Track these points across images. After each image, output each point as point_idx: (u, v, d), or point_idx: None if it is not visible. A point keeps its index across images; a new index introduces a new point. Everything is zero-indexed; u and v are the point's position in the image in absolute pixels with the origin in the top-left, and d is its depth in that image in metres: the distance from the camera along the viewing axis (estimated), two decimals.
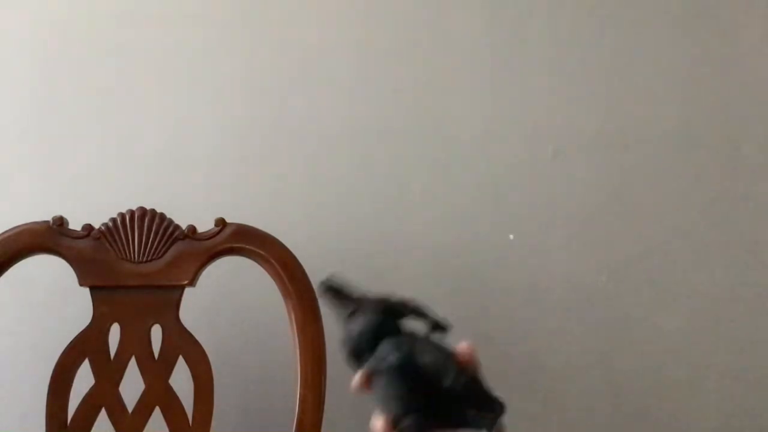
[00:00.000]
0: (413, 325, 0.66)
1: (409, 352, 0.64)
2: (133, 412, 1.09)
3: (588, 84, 1.32)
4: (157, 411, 1.10)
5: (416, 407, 0.63)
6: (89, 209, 1.13)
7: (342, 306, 0.69)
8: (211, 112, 1.29)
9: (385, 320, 0.66)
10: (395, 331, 0.66)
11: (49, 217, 1.10)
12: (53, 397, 1.08)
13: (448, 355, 0.64)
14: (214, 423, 1.09)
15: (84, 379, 1.09)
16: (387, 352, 0.64)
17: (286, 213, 1.28)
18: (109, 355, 1.10)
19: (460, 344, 0.64)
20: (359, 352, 0.67)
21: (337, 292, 0.69)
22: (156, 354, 1.10)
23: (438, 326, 0.67)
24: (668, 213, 1.32)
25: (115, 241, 1.10)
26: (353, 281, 0.71)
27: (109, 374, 1.09)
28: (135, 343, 1.10)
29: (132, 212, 1.11)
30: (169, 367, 1.10)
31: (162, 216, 1.11)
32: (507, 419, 0.66)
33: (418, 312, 0.67)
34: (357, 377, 0.65)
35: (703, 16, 1.33)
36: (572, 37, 1.33)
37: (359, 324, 0.66)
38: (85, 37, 1.28)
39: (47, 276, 1.20)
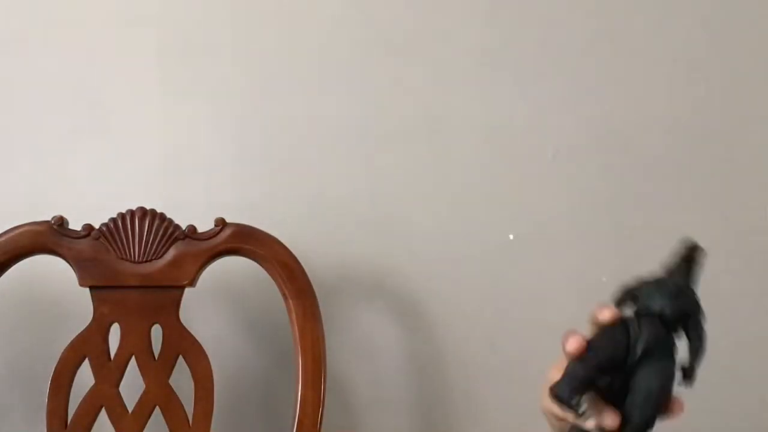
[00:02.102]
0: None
1: (649, 350, 0.61)
2: (133, 412, 1.09)
3: (587, 84, 1.32)
4: (157, 411, 1.10)
5: (599, 376, 0.61)
6: (89, 209, 1.13)
7: (678, 272, 0.67)
8: (212, 112, 1.29)
9: (680, 315, 0.64)
10: (674, 327, 0.64)
11: (49, 217, 1.10)
12: (53, 397, 1.08)
13: (662, 400, 0.61)
14: (214, 423, 1.09)
15: (84, 379, 1.09)
16: (646, 332, 0.61)
17: (286, 213, 1.27)
18: (109, 355, 1.10)
19: (678, 402, 0.62)
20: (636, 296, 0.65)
21: (693, 261, 0.67)
22: (156, 354, 1.10)
23: (689, 375, 0.64)
24: (668, 213, 1.32)
25: (115, 241, 1.10)
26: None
27: (109, 374, 1.09)
28: (135, 343, 1.10)
29: (132, 212, 1.11)
30: (169, 367, 1.10)
31: (162, 216, 1.11)
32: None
33: (695, 349, 0.65)
34: (609, 310, 0.64)
35: (704, 17, 1.33)
36: (572, 36, 1.33)
37: (669, 295, 0.65)
38: (85, 36, 1.28)
39: (47, 276, 1.20)
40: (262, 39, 1.30)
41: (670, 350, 0.62)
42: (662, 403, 0.61)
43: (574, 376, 0.61)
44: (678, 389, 0.62)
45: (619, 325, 0.63)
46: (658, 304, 0.63)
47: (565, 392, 0.60)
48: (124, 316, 1.10)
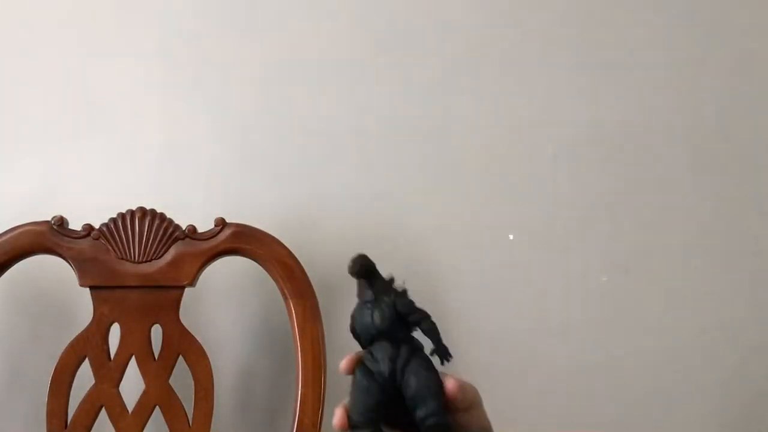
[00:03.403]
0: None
1: (400, 367, 0.65)
2: (133, 412, 1.09)
3: (588, 84, 1.32)
4: (157, 411, 1.10)
5: (377, 423, 0.63)
6: (89, 209, 1.13)
7: (365, 288, 0.68)
8: (211, 112, 1.29)
9: (395, 324, 0.66)
10: (400, 336, 0.67)
11: (49, 217, 1.10)
12: (53, 397, 1.08)
13: (435, 390, 0.64)
14: (214, 423, 1.09)
15: (84, 379, 1.09)
16: (381, 357, 0.65)
17: (286, 213, 1.27)
18: (109, 355, 1.10)
19: (449, 381, 0.64)
20: (358, 337, 0.68)
21: (367, 272, 0.69)
22: (156, 354, 1.10)
23: (440, 354, 0.66)
24: (668, 213, 1.32)
25: (115, 241, 1.10)
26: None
27: (109, 374, 1.09)
28: (135, 343, 1.10)
29: (132, 212, 1.11)
30: (169, 367, 1.10)
31: (162, 216, 1.11)
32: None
33: (428, 332, 0.67)
34: (344, 361, 0.68)
35: (705, 16, 1.33)
36: (572, 36, 1.33)
37: (371, 317, 0.67)
38: (84, 35, 1.28)
39: (47, 276, 1.20)
40: (263, 39, 1.30)
41: (413, 352, 0.66)
42: (435, 392, 0.64)
43: (356, 424, 0.64)
44: (442, 368, 0.65)
45: (360, 368, 0.67)
46: (373, 328, 0.68)
47: None
48: (124, 316, 1.10)
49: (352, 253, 1.27)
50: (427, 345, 0.68)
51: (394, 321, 0.67)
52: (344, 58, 1.31)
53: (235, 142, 1.30)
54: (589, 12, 1.33)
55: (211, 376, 1.10)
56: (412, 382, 0.64)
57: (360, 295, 0.69)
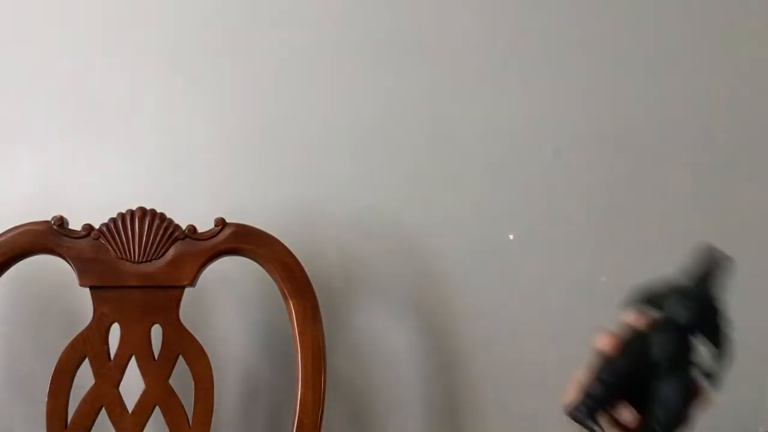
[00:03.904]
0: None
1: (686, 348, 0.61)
2: (133, 412, 1.09)
3: (588, 84, 1.32)
4: (157, 411, 1.10)
5: (615, 396, 0.60)
6: (89, 209, 1.13)
7: (704, 280, 0.64)
8: (212, 111, 1.29)
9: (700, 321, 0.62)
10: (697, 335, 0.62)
11: (49, 217, 1.10)
12: (53, 397, 1.08)
13: (678, 413, 0.61)
14: (214, 423, 1.09)
15: (84, 379, 1.09)
16: (660, 356, 0.61)
17: (286, 213, 1.27)
18: (109, 355, 1.10)
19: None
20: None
21: (716, 268, 0.65)
22: (156, 354, 1.10)
23: (709, 373, 0.63)
24: (668, 213, 1.32)
25: (115, 241, 1.10)
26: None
27: (109, 374, 1.09)
28: (135, 343, 1.10)
29: (132, 212, 1.11)
30: (169, 367, 1.10)
31: (162, 216, 1.11)
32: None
33: (715, 341, 0.63)
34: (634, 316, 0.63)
35: (705, 16, 1.33)
36: (572, 36, 1.33)
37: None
38: (85, 36, 1.28)
39: (47, 276, 1.20)
40: (263, 39, 1.30)
41: (691, 363, 0.62)
42: (680, 416, 0.61)
43: (592, 396, 0.61)
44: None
45: (639, 339, 0.62)
46: (682, 315, 0.62)
47: (583, 413, 0.61)
48: (124, 316, 1.10)
49: (352, 253, 1.27)
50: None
51: (705, 325, 0.62)
52: (345, 59, 1.31)
53: (235, 142, 1.29)
54: (589, 11, 1.33)
55: (211, 376, 1.10)
56: (672, 390, 0.60)
57: (693, 282, 0.64)
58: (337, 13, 1.31)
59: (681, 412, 0.60)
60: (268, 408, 1.28)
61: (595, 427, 0.60)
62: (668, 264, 1.35)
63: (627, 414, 0.61)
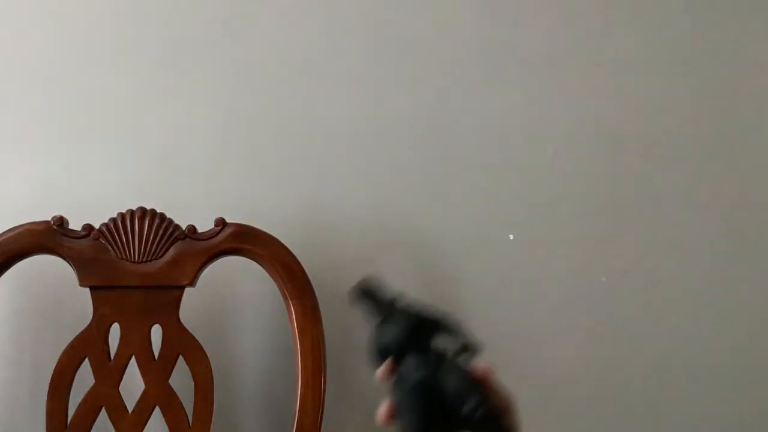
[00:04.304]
0: (444, 341, 0.66)
1: (432, 372, 0.64)
2: (133, 412, 1.09)
3: (588, 84, 1.32)
4: (157, 411, 1.10)
5: (429, 429, 0.62)
6: (89, 209, 1.13)
7: (374, 310, 0.68)
8: (211, 112, 1.29)
9: (415, 334, 0.65)
10: (424, 346, 0.65)
11: (49, 217, 1.10)
12: (53, 397, 1.08)
13: (473, 383, 0.63)
14: (214, 423, 1.09)
15: (84, 379, 1.09)
16: (412, 369, 0.64)
17: (286, 213, 1.27)
18: (109, 355, 1.10)
19: (477, 365, 0.64)
20: (383, 358, 0.66)
21: (371, 295, 0.68)
22: (156, 354, 1.10)
23: (468, 347, 0.66)
24: (668, 213, 1.32)
25: (115, 241, 1.10)
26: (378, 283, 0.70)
27: (109, 374, 1.09)
28: (135, 343, 1.10)
29: (132, 212, 1.11)
30: (169, 367, 1.10)
31: (162, 216, 1.11)
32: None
33: (450, 330, 0.66)
34: (379, 372, 0.66)
35: (705, 16, 1.33)
36: (572, 36, 1.33)
37: (388, 334, 0.66)
38: (85, 36, 1.28)
39: (47, 276, 1.20)
40: (263, 39, 1.30)
41: (437, 358, 0.65)
42: (475, 385, 0.63)
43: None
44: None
45: (396, 384, 0.65)
46: (393, 345, 0.66)
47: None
48: (124, 316, 1.10)
49: (352, 253, 1.27)
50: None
51: (412, 331, 0.65)
52: (345, 59, 1.31)
53: (235, 142, 1.29)
54: (589, 11, 1.33)
55: (211, 376, 1.10)
56: (450, 383, 0.63)
57: (370, 319, 0.68)
58: (337, 13, 1.31)
59: (476, 389, 0.63)
60: (268, 408, 1.28)
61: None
62: (668, 263, 1.36)
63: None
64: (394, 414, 0.64)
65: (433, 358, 0.65)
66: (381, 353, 0.66)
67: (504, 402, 0.66)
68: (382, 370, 0.66)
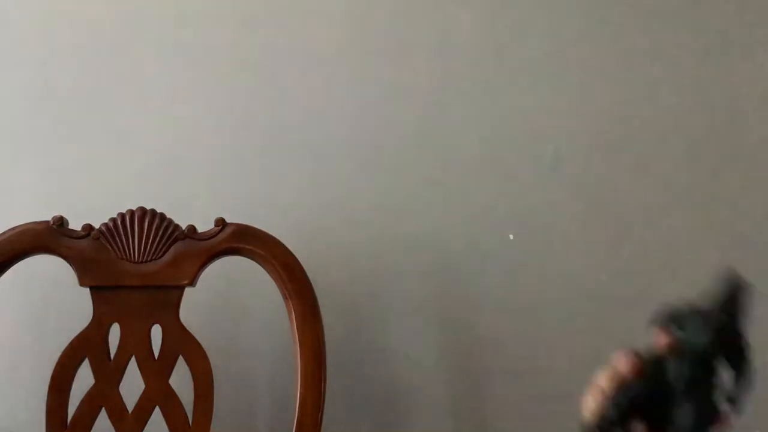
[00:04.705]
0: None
1: (707, 367, 0.60)
2: (133, 412, 1.09)
3: (588, 84, 1.32)
4: (157, 411, 1.10)
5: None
6: (89, 209, 1.13)
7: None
8: (211, 112, 1.29)
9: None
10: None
11: (49, 217, 1.10)
12: (53, 396, 1.08)
13: (699, 429, 0.60)
14: (214, 423, 1.09)
15: (84, 379, 1.09)
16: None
17: (286, 213, 1.27)
18: (109, 355, 1.10)
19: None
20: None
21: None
22: (156, 354, 1.10)
23: (733, 404, 0.62)
24: (668, 213, 1.32)
25: (115, 241, 1.10)
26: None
27: (109, 374, 1.09)
28: (135, 343, 1.10)
29: (132, 212, 1.11)
30: (169, 367, 1.10)
31: (162, 216, 1.11)
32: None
33: (738, 366, 0.62)
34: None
35: (704, 16, 1.33)
36: (572, 37, 1.33)
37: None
38: (85, 36, 1.28)
39: (47, 276, 1.20)
40: (263, 39, 1.30)
41: (710, 388, 0.61)
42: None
43: (606, 419, 0.62)
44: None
45: (657, 362, 0.63)
46: (701, 340, 0.62)
47: None
48: (124, 316, 1.10)
49: (352, 254, 1.26)
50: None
51: (726, 351, 0.62)
52: (345, 59, 1.31)
53: (235, 142, 1.30)
54: (588, 11, 1.33)
55: (211, 376, 1.10)
56: (690, 416, 0.59)
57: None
58: (338, 16, 1.31)
59: None
60: (268, 408, 1.28)
61: None
62: (668, 263, 1.36)
63: None
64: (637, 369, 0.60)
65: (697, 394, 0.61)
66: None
67: None
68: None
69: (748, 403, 0.62)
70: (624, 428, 0.61)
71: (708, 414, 0.60)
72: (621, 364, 0.62)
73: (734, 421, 0.61)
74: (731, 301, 0.64)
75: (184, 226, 1.12)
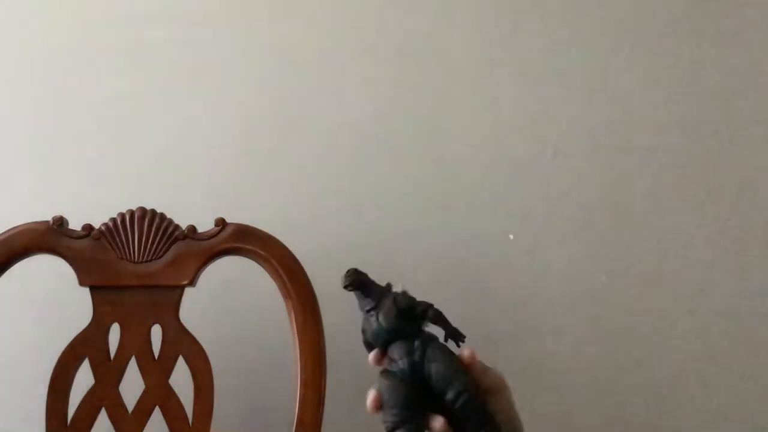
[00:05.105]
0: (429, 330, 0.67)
1: (418, 359, 0.66)
2: (133, 412, 1.09)
3: (588, 84, 1.32)
4: (157, 411, 1.10)
5: (413, 420, 0.64)
6: (89, 209, 1.13)
7: (363, 298, 0.69)
8: (212, 112, 1.29)
9: (401, 323, 0.67)
10: (411, 332, 0.67)
11: (49, 217, 1.10)
12: (53, 396, 1.08)
13: (456, 369, 0.65)
14: (214, 423, 1.09)
15: (84, 379, 1.09)
16: (398, 355, 0.65)
17: (286, 213, 1.28)
18: (109, 355, 1.10)
19: (464, 350, 0.66)
20: (373, 345, 0.68)
21: (361, 283, 0.69)
22: (156, 354, 1.10)
23: (453, 336, 0.68)
24: (668, 213, 1.32)
25: (115, 241, 1.10)
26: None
27: (109, 374, 1.09)
28: (135, 343, 1.10)
29: (132, 212, 1.11)
30: (169, 367, 1.10)
31: (162, 216, 1.11)
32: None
33: (436, 319, 0.68)
34: (372, 357, 0.68)
35: (704, 16, 1.33)
36: (572, 37, 1.33)
37: (377, 322, 0.67)
38: (85, 37, 1.28)
39: (47, 276, 1.20)
40: (263, 40, 1.30)
41: (424, 345, 0.67)
42: (458, 372, 0.65)
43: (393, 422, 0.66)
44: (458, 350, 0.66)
45: (382, 374, 0.68)
46: (382, 332, 0.68)
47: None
48: (124, 316, 1.10)
49: (353, 253, 1.27)
50: (439, 334, 0.68)
51: (400, 319, 0.67)
52: (345, 59, 1.31)
53: (235, 142, 1.30)
54: (588, 11, 1.33)
55: (211, 376, 1.10)
56: (433, 370, 0.65)
57: (361, 306, 0.69)
58: (339, 18, 1.31)
59: (455, 368, 0.65)
60: (268, 408, 1.28)
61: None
62: (668, 263, 1.36)
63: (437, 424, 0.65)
64: (378, 403, 0.65)
65: (419, 346, 0.67)
66: (368, 342, 0.68)
67: (493, 383, 0.67)
68: (372, 357, 0.68)
69: (454, 326, 0.69)
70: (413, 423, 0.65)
71: (446, 357, 0.66)
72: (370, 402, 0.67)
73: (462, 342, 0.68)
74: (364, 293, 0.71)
75: (184, 226, 1.12)
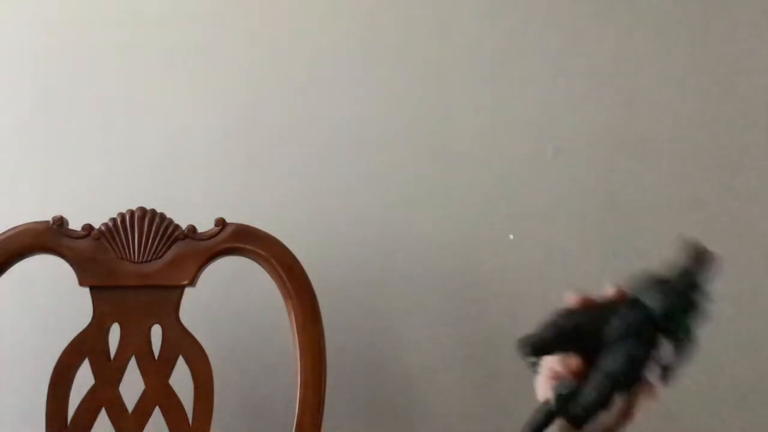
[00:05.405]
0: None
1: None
2: (133, 412, 1.09)
3: (588, 84, 1.32)
4: (157, 411, 1.10)
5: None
6: (89, 209, 1.13)
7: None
8: (211, 112, 1.29)
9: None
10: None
11: (49, 217, 1.10)
12: (53, 397, 1.08)
13: (616, 385, 0.61)
14: (214, 423, 1.09)
15: (84, 379, 1.09)
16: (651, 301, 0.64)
17: (286, 213, 1.27)
18: (109, 355, 1.10)
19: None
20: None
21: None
22: (156, 354, 1.10)
23: (666, 376, 0.64)
24: (668, 213, 1.32)
25: (115, 241, 1.10)
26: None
27: (109, 374, 1.09)
28: (135, 343, 1.10)
29: (132, 212, 1.11)
30: (169, 367, 1.10)
31: (162, 216, 1.11)
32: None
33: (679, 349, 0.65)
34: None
35: (704, 17, 1.33)
36: (573, 37, 1.33)
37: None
38: (85, 37, 1.28)
39: (47, 276, 1.20)
40: (263, 40, 1.30)
41: (645, 343, 0.63)
42: (619, 389, 0.61)
43: (541, 336, 0.64)
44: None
45: (606, 305, 0.65)
46: (650, 300, 0.65)
47: (528, 348, 0.65)
48: (124, 316, 1.10)
49: (352, 254, 1.26)
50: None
51: (670, 315, 0.65)
52: (345, 59, 1.31)
53: (235, 142, 1.30)
54: (589, 12, 1.33)
55: (211, 376, 1.10)
56: (616, 360, 0.61)
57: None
58: (339, 17, 1.31)
59: (618, 386, 0.61)
60: (268, 408, 1.28)
61: (533, 363, 0.66)
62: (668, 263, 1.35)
63: (573, 361, 0.63)
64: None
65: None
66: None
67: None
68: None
69: (677, 376, 0.63)
70: (555, 349, 0.64)
71: (634, 369, 0.62)
72: (571, 299, 0.65)
73: (658, 390, 0.62)
74: (691, 273, 0.67)
75: (184, 226, 1.12)
